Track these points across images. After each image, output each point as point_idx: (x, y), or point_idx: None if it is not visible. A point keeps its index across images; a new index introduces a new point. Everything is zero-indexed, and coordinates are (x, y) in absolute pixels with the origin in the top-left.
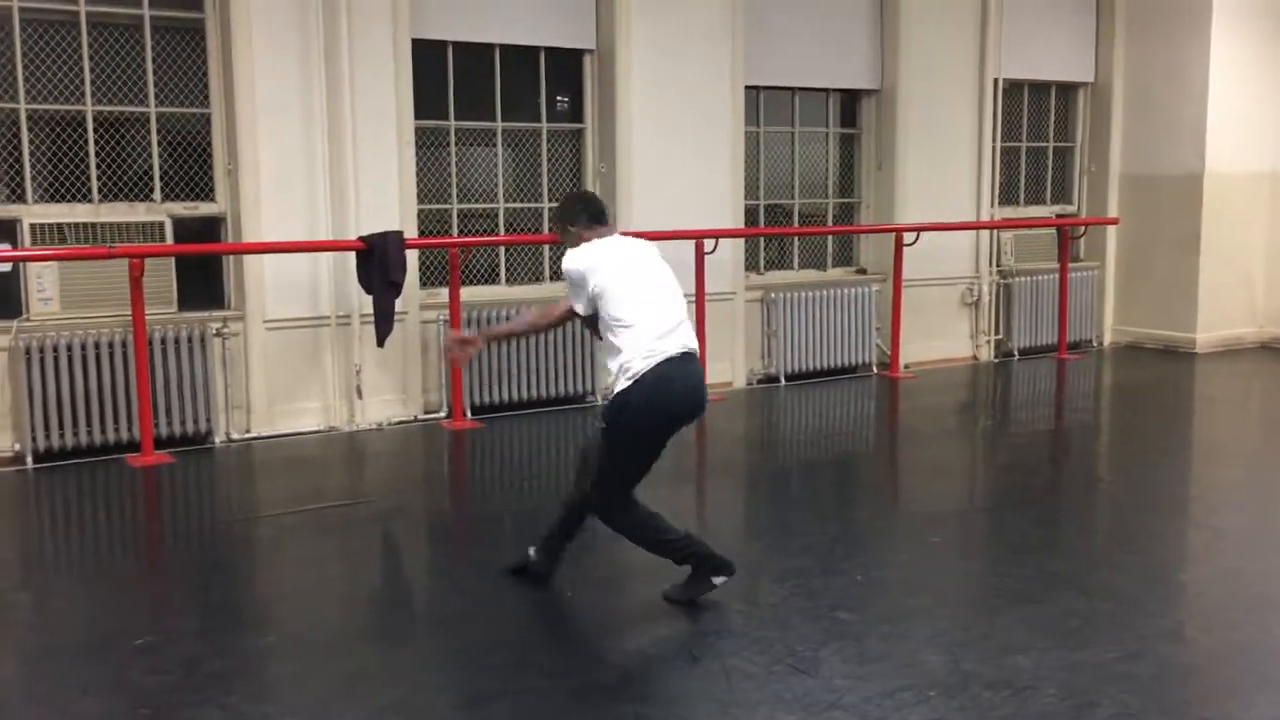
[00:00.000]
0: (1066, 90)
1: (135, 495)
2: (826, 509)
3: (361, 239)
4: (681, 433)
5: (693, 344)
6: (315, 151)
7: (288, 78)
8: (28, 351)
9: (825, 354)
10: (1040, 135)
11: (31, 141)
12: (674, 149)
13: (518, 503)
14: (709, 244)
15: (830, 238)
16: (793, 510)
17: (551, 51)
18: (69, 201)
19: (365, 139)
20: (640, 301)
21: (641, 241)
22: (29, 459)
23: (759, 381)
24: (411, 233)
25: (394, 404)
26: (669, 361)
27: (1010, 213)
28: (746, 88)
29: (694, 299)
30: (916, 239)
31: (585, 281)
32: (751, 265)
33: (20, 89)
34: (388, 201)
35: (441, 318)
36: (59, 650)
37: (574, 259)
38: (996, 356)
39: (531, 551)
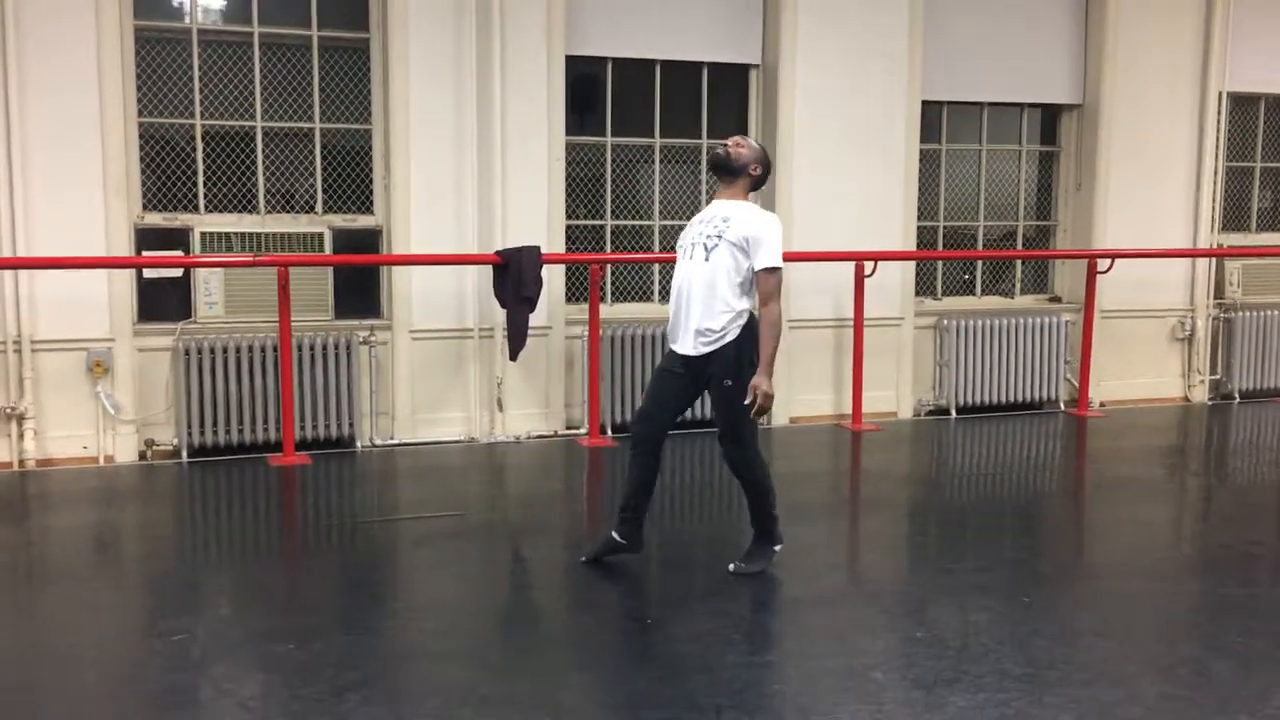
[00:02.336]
0: None
1: (265, 493)
2: (935, 554)
3: (498, 253)
4: (836, 464)
5: None
6: (465, 167)
7: (442, 94)
8: (187, 352)
9: (1004, 387)
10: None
11: (205, 155)
12: (840, 167)
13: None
14: (868, 266)
15: (1020, 262)
16: (901, 553)
17: (715, 66)
18: (237, 212)
19: (514, 154)
20: None
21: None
22: (184, 453)
23: (928, 413)
24: (558, 248)
25: (535, 418)
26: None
27: (1239, 240)
28: (929, 103)
29: (853, 323)
30: (1111, 265)
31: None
32: (928, 289)
33: (197, 105)
34: (536, 216)
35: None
36: (114, 633)
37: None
38: (1212, 398)
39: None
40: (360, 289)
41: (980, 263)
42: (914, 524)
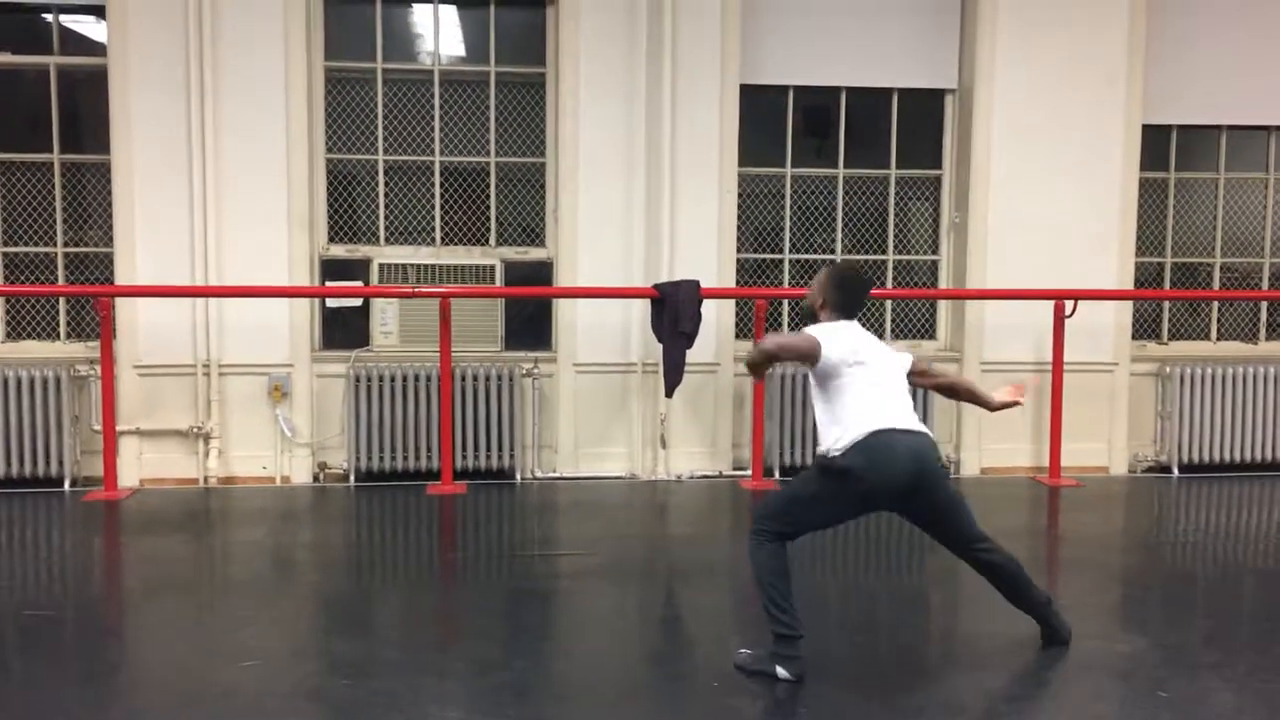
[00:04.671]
0: None
1: (412, 521)
2: (1090, 630)
3: (655, 286)
4: (1016, 521)
5: (915, 424)
6: (633, 198)
7: (612, 125)
8: (359, 379)
9: (1239, 443)
10: None
11: (386, 188)
12: (1043, 198)
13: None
14: (1068, 306)
15: (1265, 304)
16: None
17: (905, 92)
18: (414, 244)
19: (684, 186)
20: (871, 384)
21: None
22: (352, 477)
23: (1145, 470)
24: (729, 282)
25: (700, 457)
26: (889, 431)
27: None
28: (1154, 127)
29: (1050, 367)
30: None
31: (839, 365)
32: (1150, 332)
33: (380, 141)
34: (704, 249)
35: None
36: (193, 652)
37: (833, 340)
38: None
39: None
40: (532, 322)
41: (1216, 304)
42: (1082, 593)
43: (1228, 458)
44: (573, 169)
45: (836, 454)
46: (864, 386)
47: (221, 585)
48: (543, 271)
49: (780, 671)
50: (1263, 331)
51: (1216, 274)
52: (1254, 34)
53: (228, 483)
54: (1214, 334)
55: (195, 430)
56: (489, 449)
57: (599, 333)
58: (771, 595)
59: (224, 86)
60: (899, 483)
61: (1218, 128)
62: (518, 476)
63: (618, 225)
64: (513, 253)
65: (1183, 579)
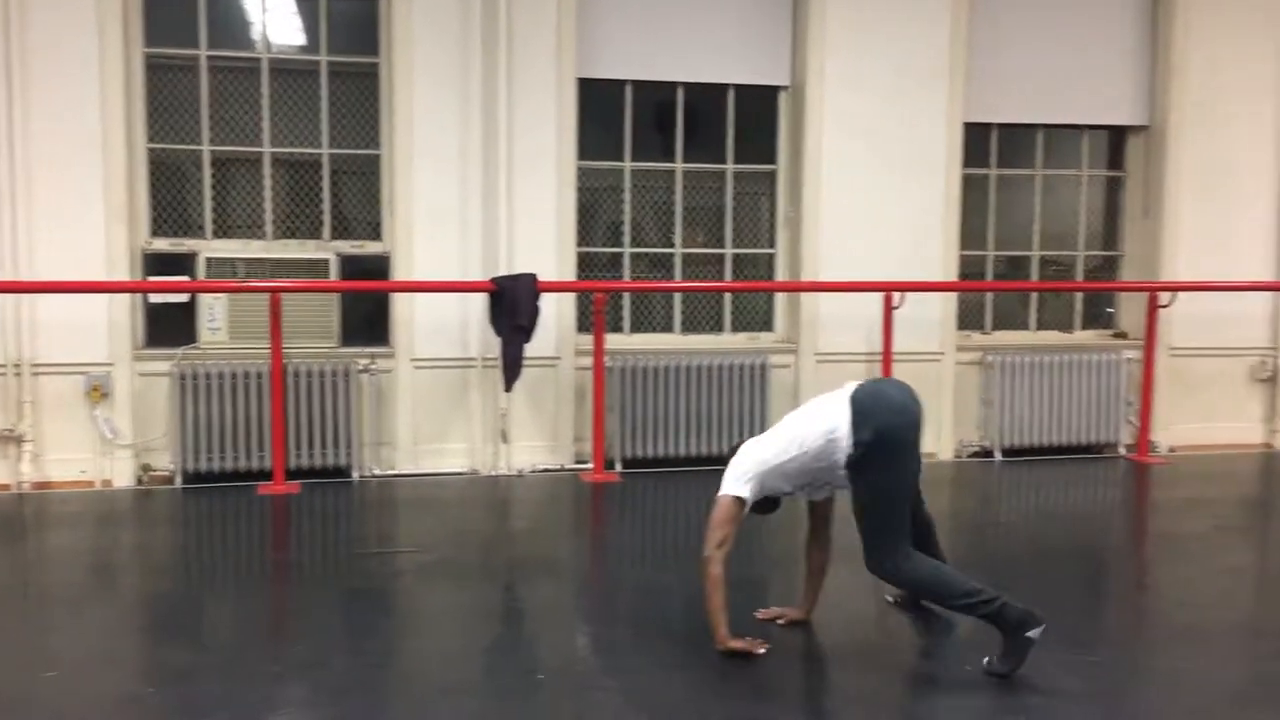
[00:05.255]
0: None
1: (245, 522)
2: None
3: (492, 280)
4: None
5: None
6: (470, 191)
7: (446, 118)
8: (184, 377)
9: (1057, 428)
10: None
11: (214, 180)
12: (873, 193)
13: (577, 573)
14: (896, 298)
15: (1080, 295)
16: (887, 620)
17: (741, 88)
18: (244, 238)
19: (521, 180)
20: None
21: None
22: (179, 479)
23: (970, 455)
24: (569, 276)
25: (541, 451)
26: (861, 386)
27: None
28: (977, 125)
29: (881, 358)
30: (1173, 300)
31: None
32: (974, 322)
33: (205, 131)
34: (543, 243)
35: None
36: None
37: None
38: None
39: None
40: (369, 317)
41: (1035, 295)
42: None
43: (1046, 441)
44: (407, 161)
45: (857, 437)
46: (803, 415)
47: (32, 593)
48: (379, 265)
49: (1032, 634)
50: (1078, 321)
51: (1035, 266)
52: (1069, 37)
53: (43, 488)
54: (1033, 324)
55: (7, 433)
56: (324, 447)
57: (437, 327)
58: (954, 589)
59: (34, 73)
60: (915, 416)
61: (1035, 126)
62: (354, 474)
63: (455, 218)
64: (348, 246)
65: (1006, 558)
